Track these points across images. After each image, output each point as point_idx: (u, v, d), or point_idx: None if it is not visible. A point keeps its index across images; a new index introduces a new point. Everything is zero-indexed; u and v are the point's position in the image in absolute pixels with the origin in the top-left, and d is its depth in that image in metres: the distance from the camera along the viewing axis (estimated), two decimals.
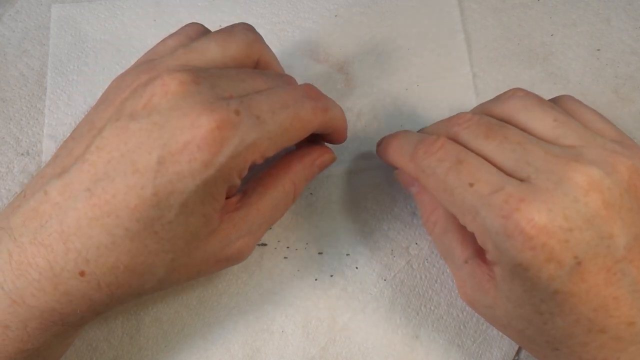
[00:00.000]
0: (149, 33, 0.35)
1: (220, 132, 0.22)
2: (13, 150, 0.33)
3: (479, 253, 0.25)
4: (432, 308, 0.30)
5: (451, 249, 0.25)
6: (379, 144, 0.30)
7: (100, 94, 0.34)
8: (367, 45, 0.35)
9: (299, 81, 0.35)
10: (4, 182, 0.32)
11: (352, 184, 0.32)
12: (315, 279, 0.31)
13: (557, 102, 0.26)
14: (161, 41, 0.28)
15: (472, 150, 0.24)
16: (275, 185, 0.27)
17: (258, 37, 0.28)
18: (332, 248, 0.31)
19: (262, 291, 0.30)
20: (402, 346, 0.30)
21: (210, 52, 0.26)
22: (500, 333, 0.30)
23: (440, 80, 0.34)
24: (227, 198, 0.25)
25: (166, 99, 0.22)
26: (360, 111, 0.34)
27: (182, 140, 0.22)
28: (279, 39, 0.35)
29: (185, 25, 0.28)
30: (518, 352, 0.30)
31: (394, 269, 0.31)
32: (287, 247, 0.31)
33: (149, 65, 0.25)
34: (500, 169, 0.23)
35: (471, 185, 0.22)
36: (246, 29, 0.27)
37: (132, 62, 0.35)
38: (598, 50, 0.35)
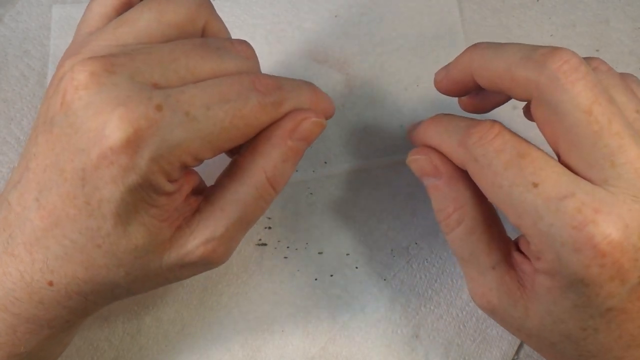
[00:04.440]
0: None
1: (136, 133, 0.19)
2: (14, 151, 0.33)
3: (508, 258, 0.23)
4: (432, 308, 0.30)
5: (476, 252, 0.23)
6: (412, 129, 0.26)
7: None
8: (367, 45, 0.35)
9: None
10: (5, 182, 0.32)
11: (352, 184, 0.32)
12: (315, 279, 0.31)
13: (624, 80, 0.23)
14: (87, 7, 0.25)
15: (557, 120, 0.20)
16: (241, 177, 0.23)
17: (205, 1, 0.24)
18: (332, 248, 0.31)
19: (262, 291, 0.30)
20: (402, 346, 0.30)
21: (142, 21, 0.22)
22: (500, 333, 0.30)
23: None
24: (192, 193, 0.23)
25: (78, 95, 0.20)
26: (360, 111, 0.34)
27: (97, 144, 0.19)
28: (279, 39, 0.35)
29: None
30: (517, 352, 0.30)
31: (394, 269, 0.31)
32: (287, 247, 0.31)
33: (78, 45, 0.23)
34: (568, 162, 0.20)
35: (535, 185, 0.20)
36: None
37: None
38: (597, 50, 0.35)
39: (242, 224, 0.23)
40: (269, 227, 0.31)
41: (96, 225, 0.20)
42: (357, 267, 0.31)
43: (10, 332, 0.22)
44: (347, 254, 0.31)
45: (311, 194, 0.32)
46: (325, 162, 0.33)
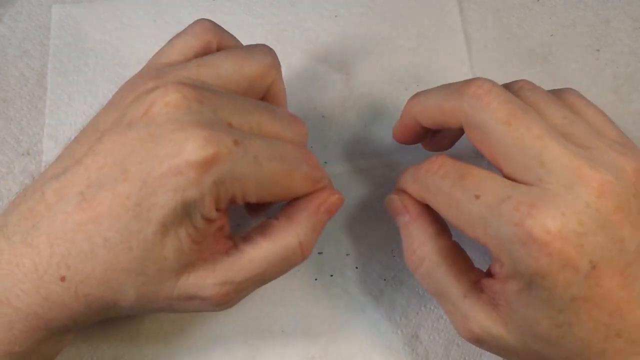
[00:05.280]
0: (149, 33, 0.36)
1: (215, 155, 0.21)
2: (14, 151, 0.33)
3: (478, 286, 0.24)
4: (432, 308, 0.30)
5: (445, 284, 0.24)
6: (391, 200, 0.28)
7: (100, 94, 0.34)
8: (367, 45, 0.35)
9: (299, 83, 0.35)
10: (5, 182, 0.32)
11: (352, 184, 0.32)
12: (315, 279, 0.31)
13: (561, 96, 0.25)
14: (169, 42, 0.27)
15: (484, 138, 0.23)
16: (275, 237, 0.24)
17: (276, 62, 0.27)
18: (332, 248, 0.31)
19: (262, 291, 0.30)
20: (402, 346, 0.30)
21: (224, 69, 0.25)
22: None
23: (440, 80, 0.34)
24: (221, 235, 0.24)
25: (166, 110, 0.22)
26: (361, 111, 0.34)
27: (173, 154, 0.21)
28: (279, 39, 0.35)
29: (193, 23, 0.27)
30: None
31: (394, 269, 0.31)
32: None
33: (158, 71, 0.25)
34: (506, 173, 0.22)
35: (477, 197, 0.22)
36: (266, 51, 0.27)
37: (132, 62, 0.35)
38: (597, 50, 0.35)
39: (259, 280, 0.25)
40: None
41: (137, 227, 0.21)
42: (357, 267, 0.31)
43: (8, 329, 0.22)
44: (347, 254, 0.31)
45: None
46: (325, 162, 0.33)
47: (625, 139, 0.24)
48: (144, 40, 0.35)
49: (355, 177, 0.32)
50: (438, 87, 0.26)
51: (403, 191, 0.26)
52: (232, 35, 0.28)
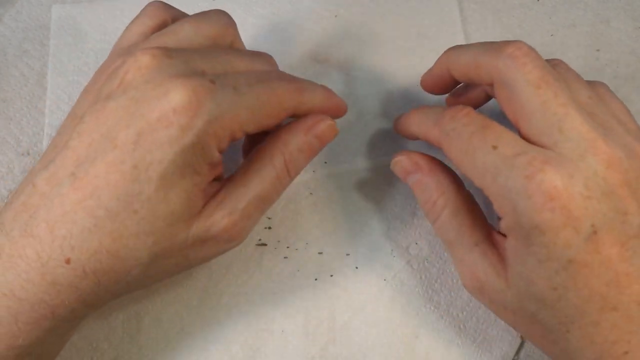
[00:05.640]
0: None
1: (197, 96, 0.22)
2: (14, 151, 0.33)
3: (490, 238, 0.25)
4: (432, 308, 0.30)
5: (460, 232, 0.25)
6: (397, 118, 0.30)
7: None
8: (367, 45, 0.35)
9: None
10: (5, 182, 0.32)
11: (352, 184, 0.32)
12: (315, 279, 0.31)
13: (592, 84, 0.26)
14: (126, 28, 0.28)
15: (513, 97, 0.24)
16: (262, 158, 0.26)
17: (232, 22, 0.28)
18: (332, 248, 0.31)
19: (262, 291, 0.30)
20: (402, 346, 0.30)
21: (183, 33, 0.26)
22: (500, 333, 0.30)
23: None
24: (213, 180, 0.25)
25: (140, 73, 0.23)
26: (361, 111, 0.34)
27: (158, 108, 0.22)
28: (279, 39, 0.35)
29: (145, 6, 0.29)
30: (518, 352, 0.30)
31: (394, 269, 0.31)
32: (287, 247, 0.31)
33: (122, 52, 0.26)
34: (525, 134, 0.23)
35: (495, 147, 0.23)
36: (220, 13, 0.28)
37: None
38: (597, 50, 0.35)
39: (260, 201, 0.25)
40: (269, 227, 0.31)
41: (138, 189, 0.22)
42: (357, 267, 0.31)
43: (12, 322, 0.22)
44: (347, 254, 0.31)
45: (311, 194, 0.32)
46: (325, 162, 0.33)
47: None
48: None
49: (355, 177, 0.32)
50: (476, 43, 0.26)
51: (408, 151, 0.27)
52: (184, 13, 0.29)
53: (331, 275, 0.31)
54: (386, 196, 0.32)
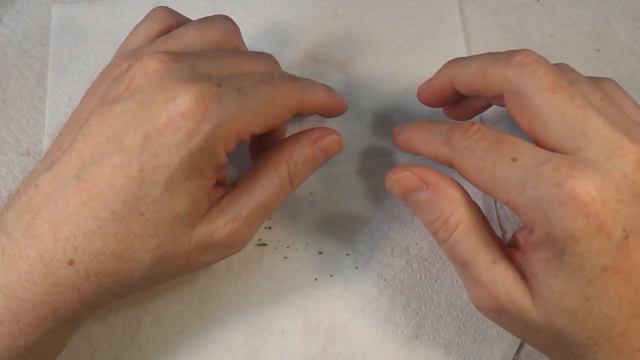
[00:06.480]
0: None
1: (204, 100, 0.22)
2: (14, 151, 0.33)
3: (507, 251, 0.24)
4: (432, 308, 0.30)
5: (477, 250, 0.24)
6: (398, 133, 0.28)
7: None
8: (367, 45, 0.35)
9: None
10: (5, 182, 0.32)
11: (352, 184, 0.32)
12: (315, 279, 0.31)
13: (599, 84, 0.25)
14: (132, 31, 0.28)
15: (526, 106, 0.23)
16: (267, 167, 0.26)
17: (236, 28, 0.28)
18: (332, 248, 0.31)
19: (262, 291, 0.30)
20: (402, 346, 0.30)
21: (189, 37, 0.26)
22: (500, 333, 0.30)
23: None
24: (217, 184, 0.25)
25: (147, 77, 0.23)
26: (360, 111, 0.34)
27: (165, 112, 0.22)
28: (279, 39, 0.35)
29: (151, 11, 0.29)
30: (518, 352, 0.30)
31: (394, 269, 0.31)
32: (287, 247, 0.31)
33: (128, 55, 0.26)
34: (543, 142, 0.22)
35: (514, 160, 0.22)
36: (224, 18, 0.28)
37: None
38: (597, 50, 0.35)
39: (263, 210, 0.26)
40: (269, 227, 0.31)
41: (144, 192, 0.22)
42: (357, 267, 0.31)
43: (14, 322, 0.22)
44: (347, 254, 0.31)
45: (311, 193, 0.32)
46: (325, 162, 0.33)
47: None
48: None
49: (355, 177, 0.32)
50: (479, 55, 0.26)
51: (409, 165, 0.26)
52: (189, 18, 0.29)
53: (331, 275, 0.31)
54: (386, 196, 0.32)
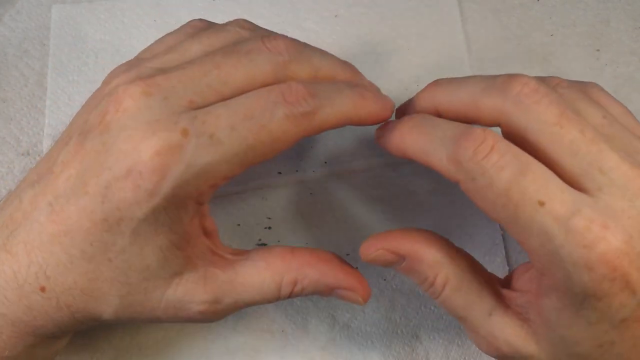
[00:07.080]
0: (149, 33, 0.35)
1: (161, 159, 0.20)
2: (13, 151, 0.33)
3: (502, 299, 0.23)
4: (432, 308, 0.30)
5: (468, 306, 0.23)
6: (382, 134, 0.25)
7: None
8: (367, 45, 0.35)
9: None
10: (4, 182, 0.32)
11: (352, 184, 0.32)
12: None
13: (587, 92, 0.23)
14: (160, 38, 0.27)
15: (529, 142, 0.20)
16: (274, 272, 0.23)
17: (252, 35, 0.25)
18: (332, 248, 0.31)
19: None
20: (402, 346, 0.30)
21: (190, 53, 0.24)
22: None
23: None
24: (204, 234, 0.23)
25: (117, 116, 0.21)
26: None
27: (125, 166, 0.20)
28: None
29: (187, 22, 0.27)
30: None
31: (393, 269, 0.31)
32: None
33: (129, 65, 0.24)
34: (561, 175, 0.20)
35: (542, 204, 0.19)
36: (239, 26, 0.26)
37: None
38: (597, 50, 0.35)
39: (247, 304, 0.24)
40: (269, 227, 0.31)
41: (112, 240, 0.21)
42: (357, 267, 0.31)
43: None
44: (347, 254, 0.31)
45: (311, 194, 0.32)
46: (325, 162, 0.33)
47: None
48: (144, 40, 0.35)
49: (355, 177, 0.32)
50: (468, 78, 0.23)
51: (379, 236, 0.24)
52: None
53: None
54: (386, 196, 0.32)
